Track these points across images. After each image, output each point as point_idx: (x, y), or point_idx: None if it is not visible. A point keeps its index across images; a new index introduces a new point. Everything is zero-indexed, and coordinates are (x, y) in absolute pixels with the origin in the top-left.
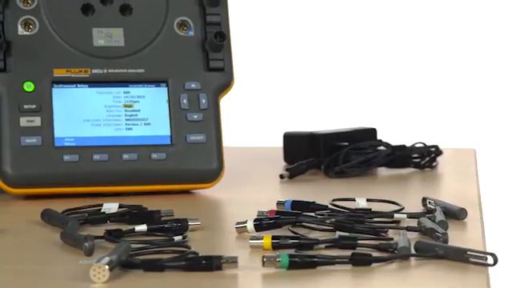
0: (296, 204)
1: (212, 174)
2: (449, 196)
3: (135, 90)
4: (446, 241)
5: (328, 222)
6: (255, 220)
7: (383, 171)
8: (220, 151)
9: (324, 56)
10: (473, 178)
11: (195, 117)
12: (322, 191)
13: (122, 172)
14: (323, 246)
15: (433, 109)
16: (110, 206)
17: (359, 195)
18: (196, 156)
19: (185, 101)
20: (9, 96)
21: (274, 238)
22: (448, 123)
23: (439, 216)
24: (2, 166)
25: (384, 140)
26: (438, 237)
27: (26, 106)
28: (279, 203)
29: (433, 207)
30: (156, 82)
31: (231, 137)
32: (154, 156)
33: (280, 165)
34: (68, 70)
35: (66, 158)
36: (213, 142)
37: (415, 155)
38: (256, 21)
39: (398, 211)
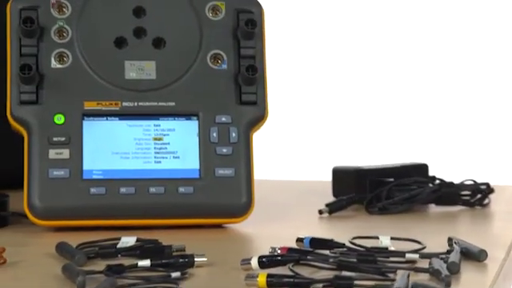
0: (314, 241)
1: (240, 209)
2: (483, 235)
3: (165, 123)
4: (448, 283)
5: (331, 260)
6: (260, 257)
7: (432, 208)
8: (250, 186)
9: (381, 92)
10: None
11: (224, 150)
12: (359, 228)
13: (149, 205)
14: (320, 285)
15: (501, 144)
16: (128, 240)
17: (394, 233)
18: (224, 190)
19: (214, 134)
20: (39, 128)
21: (269, 276)
22: None
23: (452, 257)
24: (31, 198)
25: (442, 177)
26: (442, 279)
27: (55, 139)
28: (298, 240)
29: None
30: (187, 115)
31: (284, 171)
32: (182, 190)
33: (328, 199)
34: (99, 102)
35: (93, 190)
36: (242, 176)
37: (465, 192)
38: (303, 53)
39: (416, 251)
